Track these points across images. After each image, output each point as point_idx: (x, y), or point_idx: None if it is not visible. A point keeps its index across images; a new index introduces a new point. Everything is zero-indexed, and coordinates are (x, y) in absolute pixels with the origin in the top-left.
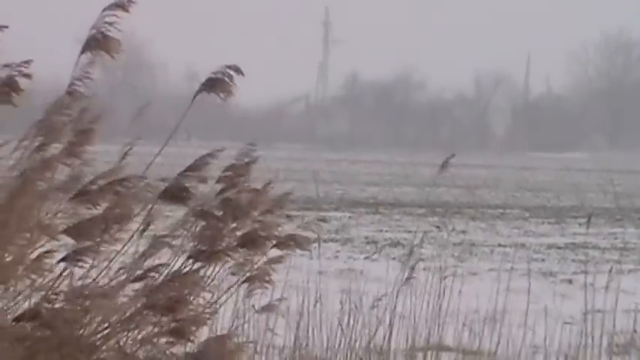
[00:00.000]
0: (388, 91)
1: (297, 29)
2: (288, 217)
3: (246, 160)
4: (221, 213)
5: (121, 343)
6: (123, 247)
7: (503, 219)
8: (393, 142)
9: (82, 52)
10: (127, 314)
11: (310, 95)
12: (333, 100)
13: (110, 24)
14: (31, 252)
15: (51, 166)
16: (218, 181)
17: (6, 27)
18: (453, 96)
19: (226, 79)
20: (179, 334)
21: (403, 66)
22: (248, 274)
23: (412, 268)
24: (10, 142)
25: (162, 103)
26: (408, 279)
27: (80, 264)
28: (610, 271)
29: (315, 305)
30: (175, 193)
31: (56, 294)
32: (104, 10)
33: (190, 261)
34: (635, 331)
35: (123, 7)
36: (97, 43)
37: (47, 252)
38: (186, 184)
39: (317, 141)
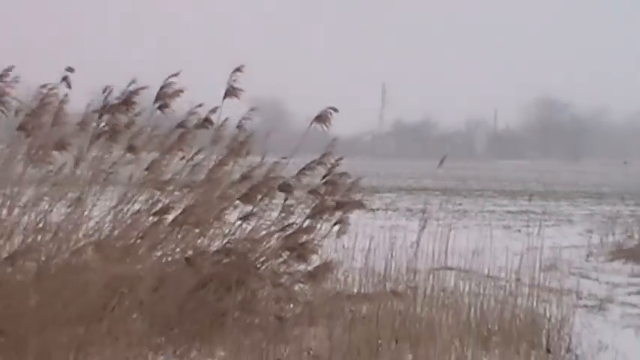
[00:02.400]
0: (417, 128)
1: (368, 90)
2: (360, 193)
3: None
4: (324, 191)
5: (271, 265)
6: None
7: (482, 197)
8: (421, 156)
9: (224, 98)
10: (273, 249)
11: (374, 131)
12: (387, 134)
13: (235, 80)
14: (220, 213)
15: (226, 165)
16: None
17: (145, 88)
18: (454, 131)
19: (327, 114)
20: (301, 259)
21: (425, 113)
22: (338, 225)
23: (425, 221)
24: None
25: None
26: (423, 228)
27: (249, 222)
28: (540, 225)
29: (377, 244)
30: (285, 187)
31: (235, 238)
32: (232, 72)
33: (308, 220)
34: (556, 258)
35: (240, 70)
36: (230, 92)
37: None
38: (290, 182)
39: (377, 156)
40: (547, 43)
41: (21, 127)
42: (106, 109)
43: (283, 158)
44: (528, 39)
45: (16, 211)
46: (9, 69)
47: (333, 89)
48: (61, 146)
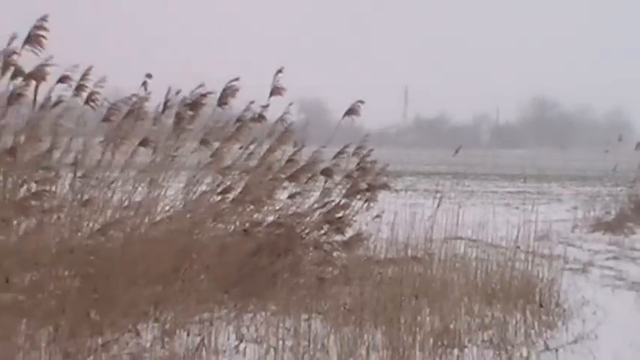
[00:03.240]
0: (433, 122)
1: (393, 92)
2: (386, 177)
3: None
4: (357, 175)
5: (313, 236)
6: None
7: (487, 180)
8: (436, 146)
9: (270, 96)
10: (316, 222)
11: (398, 125)
12: (408, 128)
13: (278, 80)
14: (272, 193)
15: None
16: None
17: (212, 93)
18: (463, 125)
19: (356, 107)
20: (338, 231)
21: (440, 110)
22: (369, 202)
23: (440, 200)
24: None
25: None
26: (438, 205)
27: (295, 199)
28: (534, 203)
29: (400, 219)
30: (326, 172)
31: (284, 214)
32: (276, 73)
33: (344, 199)
34: (547, 230)
35: (280, 72)
36: (275, 90)
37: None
38: (329, 167)
39: (400, 146)
40: (541, 50)
41: (105, 119)
42: (178, 107)
43: (322, 147)
44: (526, 46)
45: (107, 191)
46: (89, 68)
47: (365, 91)
48: (145, 143)
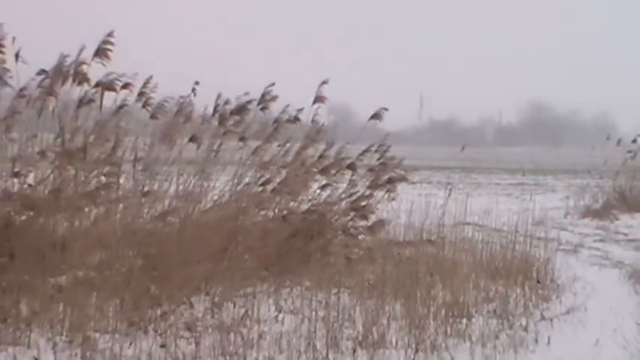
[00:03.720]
0: (445, 124)
1: (410, 97)
2: (404, 171)
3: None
4: (378, 169)
5: (341, 221)
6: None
7: (491, 173)
8: (447, 144)
9: (313, 103)
10: (343, 210)
11: (414, 126)
12: (423, 128)
13: (322, 91)
14: (306, 184)
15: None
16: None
17: (254, 100)
18: (470, 125)
19: (380, 112)
20: (363, 217)
21: (451, 113)
22: (389, 192)
23: (450, 190)
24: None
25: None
26: (449, 195)
27: (325, 190)
28: (532, 193)
29: (416, 207)
30: (351, 166)
31: (316, 202)
32: (320, 84)
33: (368, 189)
34: (543, 217)
35: (325, 83)
36: (318, 99)
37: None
38: (354, 162)
39: (416, 144)
40: (538, 59)
41: (152, 117)
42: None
43: (347, 143)
44: (525, 57)
45: (164, 183)
46: (150, 78)
47: (386, 96)
48: (194, 139)
